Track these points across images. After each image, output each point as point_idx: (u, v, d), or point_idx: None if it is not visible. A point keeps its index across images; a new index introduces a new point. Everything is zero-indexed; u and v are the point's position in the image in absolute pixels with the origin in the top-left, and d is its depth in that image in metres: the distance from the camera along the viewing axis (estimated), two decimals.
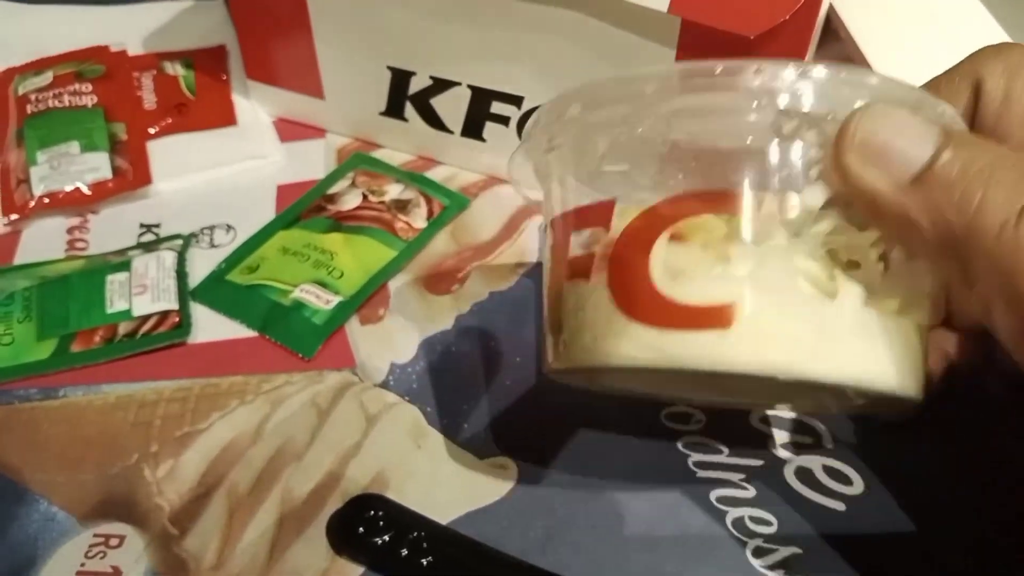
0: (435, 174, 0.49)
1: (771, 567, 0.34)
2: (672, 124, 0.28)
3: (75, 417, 0.38)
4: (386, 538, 0.34)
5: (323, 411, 0.39)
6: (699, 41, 0.38)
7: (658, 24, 0.38)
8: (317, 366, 0.40)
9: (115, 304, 0.41)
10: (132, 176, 0.48)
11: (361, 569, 0.34)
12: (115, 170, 0.48)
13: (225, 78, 0.54)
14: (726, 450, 0.37)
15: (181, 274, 0.43)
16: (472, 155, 0.49)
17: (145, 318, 0.41)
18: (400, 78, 0.47)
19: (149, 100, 0.52)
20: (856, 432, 0.38)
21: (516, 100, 0.45)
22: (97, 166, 0.48)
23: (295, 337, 0.41)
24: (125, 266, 0.43)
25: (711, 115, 0.27)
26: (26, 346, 0.40)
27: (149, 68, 0.54)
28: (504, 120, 0.46)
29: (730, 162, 0.27)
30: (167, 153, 0.50)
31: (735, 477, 0.36)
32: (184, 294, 0.43)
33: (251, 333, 0.42)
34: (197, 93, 0.53)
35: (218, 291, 0.43)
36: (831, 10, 0.49)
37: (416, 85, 0.47)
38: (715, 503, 0.36)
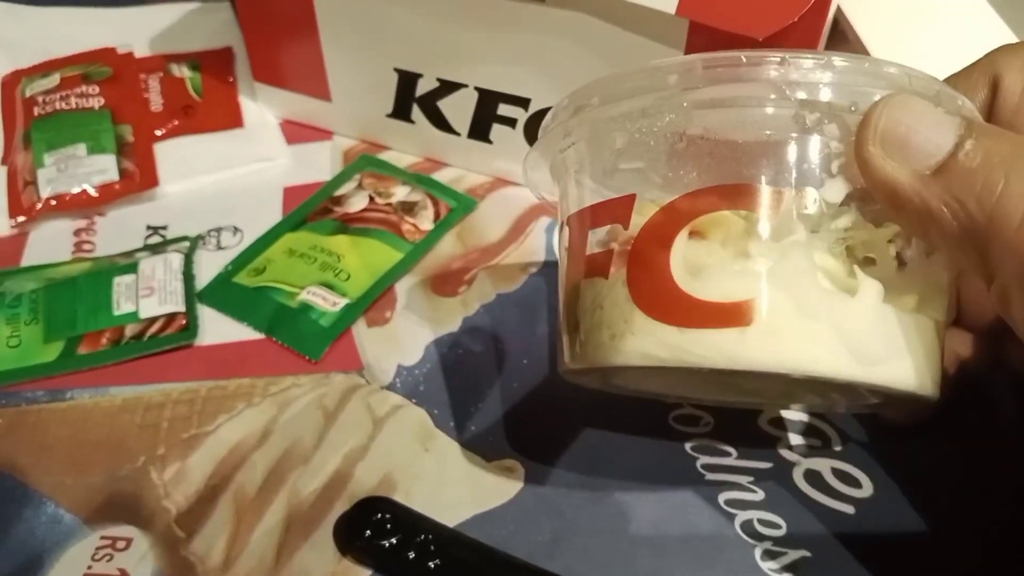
0: (442, 176, 0.49)
1: (780, 570, 0.34)
2: (693, 117, 0.28)
3: (82, 419, 0.38)
4: (393, 541, 0.33)
5: (330, 413, 0.38)
6: (707, 43, 0.38)
7: (666, 26, 0.38)
8: (324, 368, 0.40)
9: (122, 306, 0.41)
10: (139, 178, 0.48)
11: (368, 572, 0.34)
12: (122, 172, 0.48)
13: (232, 80, 0.54)
14: (735, 452, 0.37)
15: (188, 276, 0.43)
16: (479, 157, 0.49)
17: (152, 320, 0.41)
18: (407, 80, 0.47)
19: (156, 102, 0.52)
20: (865, 434, 0.38)
21: (523, 102, 0.45)
22: (104, 168, 0.48)
23: (302, 339, 0.41)
24: (132, 268, 0.43)
25: (733, 107, 0.27)
26: (33, 348, 0.40)
27: (156, 70, 0.54)
28: (511, 122, 0.46)
29: (748, 156, 0.27)
30: (174, 155, 0.50)
31: (744, 480, 0.36)
32: (191, 296, 0.43)
33: (258, 335, 0.42)
34: (204, 95, 0.53)
35: (225, 293, 0.43)
36: (839, 12, 0.49)
37: (423, 87, 0.47)
38: (724, 506, 0.36)
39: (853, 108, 0.26)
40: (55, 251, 0.46)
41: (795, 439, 0.37)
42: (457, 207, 0.47)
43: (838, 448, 0.37)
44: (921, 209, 0.25)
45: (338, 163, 0.50)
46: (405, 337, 0.42)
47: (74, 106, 0.50)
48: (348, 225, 0.45)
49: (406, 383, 0.40)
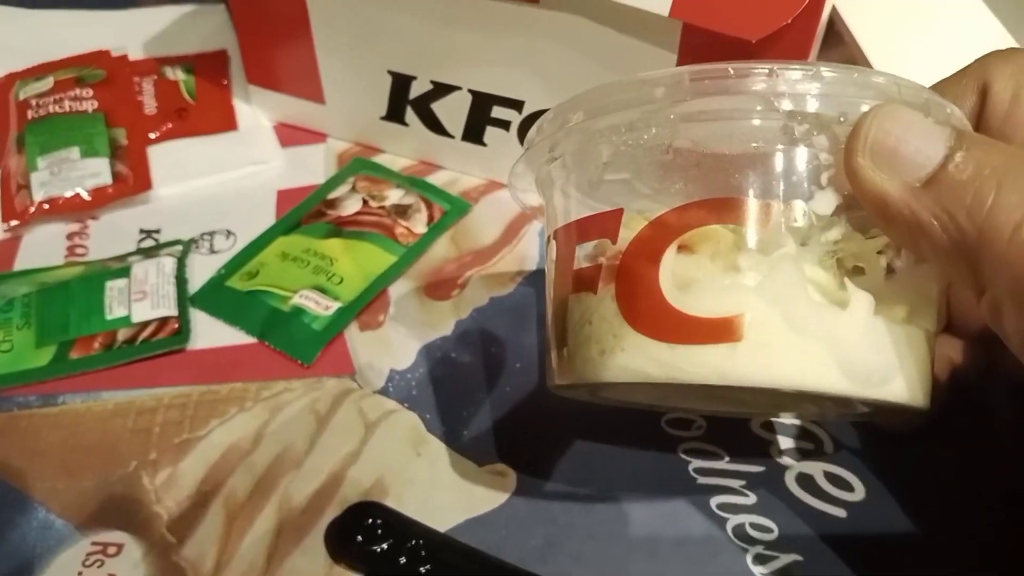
0: (436, 179, 0.49)
1: (772, 574, 0.34)
2: (680, 129, 0.27)
3: (74, 424, 0.38)
4: (385, 546, 0.33)
5: (322, 418, 0.38)
6: (701, 45, 0.38)
7: (659, 28, 0.38)
8: (316, 373, 0.40)
9: (114, 310, 0.41)
10: (132, 181, 0.48)
11: None
12: (115, 175, 0.48)
13: (226, 83, 0.54)
14: (727, 456, 0.37)
15: (181, 280, 0.43)
16: (473, 160, 0.49)
17: (144, 324, 0.41)
18: (401, 83, 0.47)
19: (150, 105, 0.52)
20: (857, 438, 0.37)
21: (517, 104, 0.45)
22: (97, 171, 0.48)
23: (294, 343, 0.41)
24: (125, 272, 0.43)
25: (720, 120, 0.27)
26: (25, 353, 0.40)
27: (150, 73, 0.54)
28: (505, 125, 0.46)
29: (737, 169, 0.27)
30: (167, 158, 0.50)
31: (736, 484, 0.36)
32: (183, 300, 0.43)
33: (250, 339, 0.41)
34: (198, 98, 0.53)
35: (218, 297, 0.43)
36: (834, 12, 0.49)
37: (417, 90, 0.47)
38: (716, 510, 0.35)
39: (842, 119, 0.26)
40: (48, 255, 0.46)
41: (787, 443, 0.37)
42: (451, 210, 0.47)
43: (830, 452, 0.37)
44: (911, 221, 0.25)
45: (332, 166, 0.50)
46: (398, 341, 0.42)
47: (68, 109, 0.50)
48: (341, 228, 0.45)
49: (398, 387, 0.40)
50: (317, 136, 0.52)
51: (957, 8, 0.51)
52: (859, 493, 0.36)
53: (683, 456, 0.37)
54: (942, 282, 0.29)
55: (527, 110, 0.45)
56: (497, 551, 0.34)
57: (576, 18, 0.40)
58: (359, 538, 0.34)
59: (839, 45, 0.50)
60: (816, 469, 0.37)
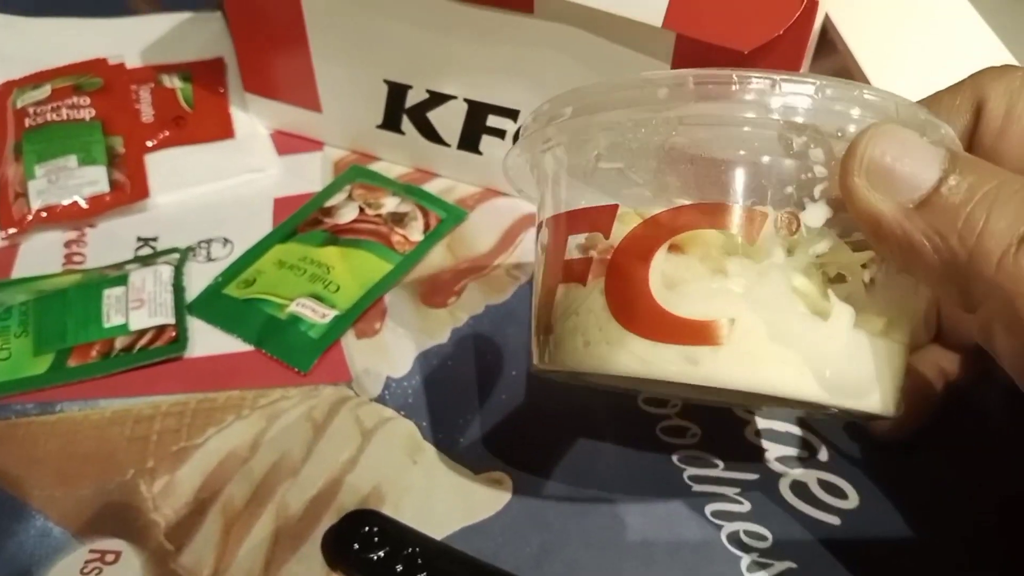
0: (432, 187, 0.50)
1: None
2: (679, 131, 0.28)
3: (71, 432, 0.38)
4: (381, 554, 0.34)
5: (319, 426, 0.39)
6: (694, 55, 0.38)
7: (653, 38, 0.39)
8: (313, 380, 0.40)
9: (112, 318, 0.42)
10: (130, 190, 0.48)
11: None
12: (113, 184, 0.48)
13: (223, 91, 0.54)
14: (721, 464, 0.37)
15: (178, 288, 0.43)
16: (469, 168, 0.49)
17: (142, 332, 0.41)
18: (396, 92, 0.47)
19: (147, 113, 0.52)
20: (851, 446, 0.38)
21: (512, 113, 0.45)
22: (95, 180, 0.48)
23: (291, 351, 0.41)
24: (122, 280, 0.43)
25: (720, 125, 0.27)
26: (23, 361, 0.40)
27: (147, 81, 0.54)
28: (500, 133, 0.46)
29: (732, 175, 0.27)
30: (165, 166, 0.50)
31: (730, 491, 0.36)
32: (181, 308, 0.43)
33: (247, 347, 0.42)
34: (195, 106, 0.53)
35: (215, 305, 0.43)
36: (827, 21, 0.49)
37: (412, 99, 0.47)
38: (710, 517, 0.36)
39: (840, 134, 0.26)
40: (45, 263, 0.46)
41: (781, 450, 0.38)
42: (447, 218, 0.48)
43: (824, 459, 0.37)
44: (903, 242, 0.25)
45: (328, 174, 0.51)
46: (394, 349, 0.42)
47: (65, 117, 0.51)
48: (338, 236, 0.46)
49: (395, 395, 0.40)
50: (314, 144, 0.52)
51: (950, 17, 0.52)
52: (853, 501, 0.36)
53: (678, 463, 0.37)
54: (929, 295, 0.30)
55: (522, 119, 0.45)
56: (493, 558, 0.34)
57: (571, 28, 0.40)
58: (356, 546, 0.34)
59: (832, 54, 0.50)
60: (810, 477, 0.37)
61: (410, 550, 0.34)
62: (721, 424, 0.38)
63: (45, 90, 0.52)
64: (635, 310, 0.27)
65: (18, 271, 0.45)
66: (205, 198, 0.49)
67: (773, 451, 0.38)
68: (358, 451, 0.38)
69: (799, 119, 0.26)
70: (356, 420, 0.39)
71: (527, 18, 0.41)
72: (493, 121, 0.46)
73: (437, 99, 0.46)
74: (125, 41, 0.57)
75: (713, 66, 0.27)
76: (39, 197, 0.47)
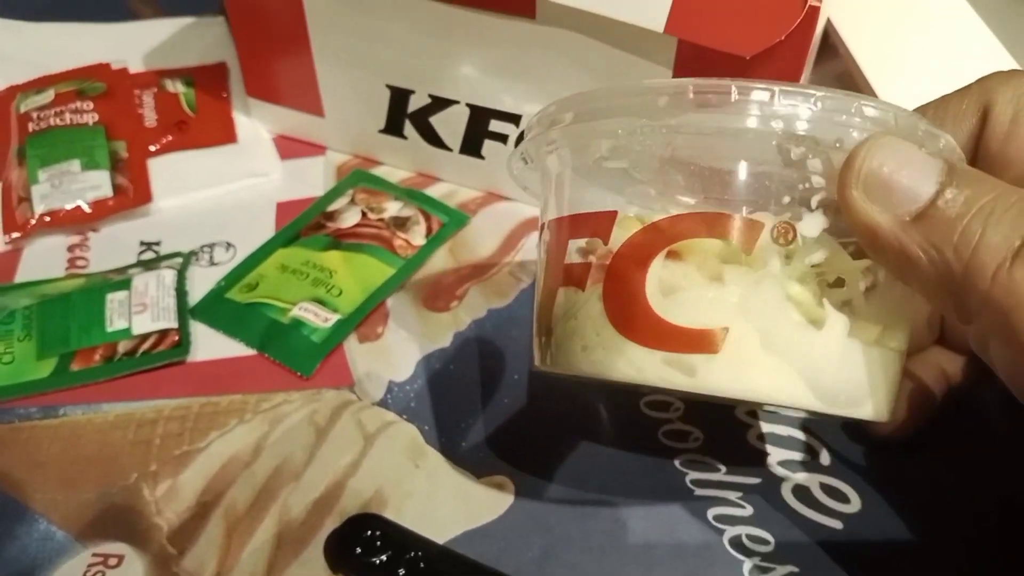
0: (434, 191, 0.50)
1: None
2: (678, 140, 0.28)
3: (74, 436, 0.39)
4: (383, 558, 0.34)
5: (321, 430, 0.39)
6: (695, 60, 0.38)
7: (654, 43, 0.39)
8: (315, 384, 0.40)
9: (115, 322, 0.42)
10: (133, 194, 0.48)
11: None
12: (116, 188, 0.48)
13: (225, 95, 0.55)
14: (723, 468, 0.37)
15: (181, 292, 0.44)
16: (471, 172, 0.49)
17: (145, 336, 0.41)
18: (399, 96, 0.47)
19: (150, 118, 0.53)
20: (853, 450, 0.38)
21: (514, 118, 0.45)
22: (98, 184, 0.48)
23: (294, 355, 0.41)
24: (125, 284, 0.43)
25: (719, 135, 0.27)
26: (26, 364, 0.40)
27: (150, 86, 0.55)
28: (502, 138, 0.46)
29: (730, 183, 0.27)
30: (168, 171, 0.50)
31: (732, 495, 0.36)
32: (184, 312, 0.43)
33: (250, 351, 0.42)
34: (198, 110, 0.53)
35: (217, 309, 0.43)
36: (829, 25, 0.49)
37: (415, 103, 0.47)
38: (712, 521, 0.36)
39: (838, 144, 0.26)
40: (49, 267, 0.46)
41: (784, 454, 0.38)
42: (449, 222, 0.48)
43: (826, 463, 0.37)
44: (900, 253, 0.25)
45: (331, 178, 0.51)
46: (396, 353, 0.42)
47: (68, 122, 0.51)
48: (340, 241, 0.46)
49: (397, 399, 0.40)
50: (316, 148, 0.52)
51: (951, 21, 0.52)
52: (855, 504, 0.36)
53: (680, 467, 0.37)
54: (929, 304, 0.30)
55: (524, 124, 0.45)
56: (495, 562, 0.34)
57: (573, 33, 0.40)
58: (358, 550, 0.34)
59: (834, 58, 0.50)
60: (812, 481, 0.37)
61: (412, 554, 0.34)
62: (723, 428, 0.38)
63: (48, 95, 0.53)
64: (631, 317, 0.27)
65: (21, 275, 0.46)
66: (208, 202, 0.49)
67: (775, 455, 0.38)
68: (360, 455, 0.38)
69: (798, 130, 0.26)
70: (358, 424, 0.39)
71: (529, 23, 0.41)
72: (495, 126, 0.46)
73: (439, 104, 0.47)
74: (128, 46, 0.57)
75: (715, 71, 0.28)
76: (42, 201, 0.47)
